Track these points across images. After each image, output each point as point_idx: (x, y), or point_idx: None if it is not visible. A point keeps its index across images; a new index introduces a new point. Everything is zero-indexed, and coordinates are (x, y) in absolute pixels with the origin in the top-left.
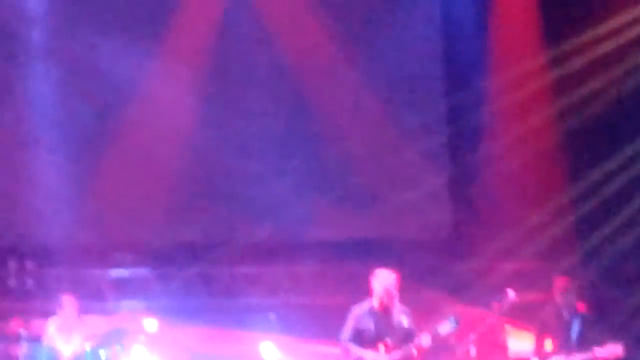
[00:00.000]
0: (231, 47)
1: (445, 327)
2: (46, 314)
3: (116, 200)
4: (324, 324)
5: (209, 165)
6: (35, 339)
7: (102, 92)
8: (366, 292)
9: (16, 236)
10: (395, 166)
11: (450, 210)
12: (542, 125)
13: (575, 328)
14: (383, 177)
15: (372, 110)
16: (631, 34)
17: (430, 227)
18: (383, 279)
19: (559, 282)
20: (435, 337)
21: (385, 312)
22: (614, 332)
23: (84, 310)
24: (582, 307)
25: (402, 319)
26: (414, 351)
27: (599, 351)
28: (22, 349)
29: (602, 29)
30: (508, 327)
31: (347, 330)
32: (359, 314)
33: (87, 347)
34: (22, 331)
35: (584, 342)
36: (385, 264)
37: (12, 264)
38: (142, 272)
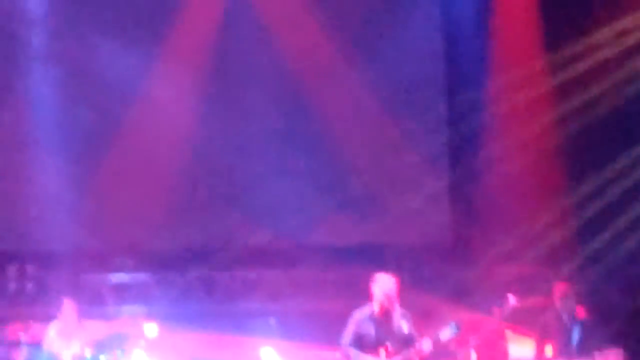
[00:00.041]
0: (231, 49)
1: (446, 333)
2: (46, 318)
3: (116, 204)
4: (324, 328)
5: (210, 169)
6: (36, 344)
7: (103, 94)
8: (366, 296)
9: (16, 240)
10: (395, 170)
11: (451, 214)
12: (542, 129)
13: (576, 333)
14: (383, 181)
15: (372, 114)
16: (632, 39)
17: (431, 232)
18: (383, 284)
19: (559, 288)
20: (436, 343)
21: (385, 316)
22: (614, 338)
23: (84, 315)
24: (582, 312)
25: (403, 323)
26: (415, 356)
27: (599, 356)
28: (22, 354)
29: (604, 33)
30: (509, 332)
31: (347, 335)
32: (359, 318)
33: (87, 352)
34: (22, 336)
35: (584, 348)
36: (385, 268)
37: (12, 268)
38: (142, 276)
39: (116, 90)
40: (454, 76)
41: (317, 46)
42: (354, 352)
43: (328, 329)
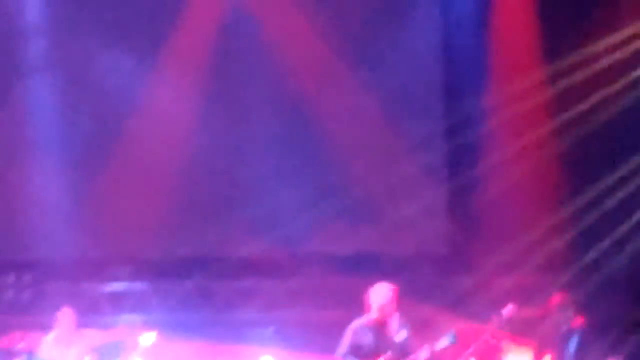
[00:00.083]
0: (231, 58)
1: (444, 342)
2: (44, 327)
3: (114, 212)
4: (322, 338)
5: (207, 178)
6: (33, 353)
7: (101, 102)
8: (364, 306)
9: (14, 249)
10: (394, 180)
11: (449, 223)
12: (540, 140)
13: (574, 343)
14: (382, 190)
15: (371, 123)
16: (630, 49)
17: (429, 241)
18: (382, 293)
19: (557, 297)
20: (434, 352)
21: (384, 326)
22: (612, 348)
23: (81, 324)
24: (580, 322)
25: (401, 333)
26: None
27: None
28: None
29: (603, 43)
30: (507, 342)
31: (344, 346)
32: (357, 329)
33: None
34: (20, 344)
35: (583, 358)
36: (383, 278)
37: (10, 277)
38: (140, 285)
39: (115, 99)
40: (452, 85)
41: (317, 61)
42: None
43: (326, 338)
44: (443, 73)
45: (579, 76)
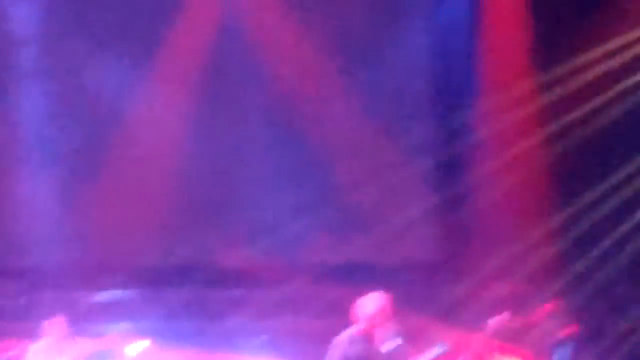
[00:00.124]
0: (225, 62)
1: (435, 352)
2: (35, 335)
3: (105, 220)
4: (314, 347)
5: (198, 188)
6: None
7: (93, 109)
8: (355, 315)
9: (4, 257)
10: (384, 189)
11: (440, 233)
12: (531, 149)
13: (565, 352)
14: (372, 199)
15: (362, 133)
16: (621, 59)
17: (419, 250)
18: (371, 303)
19: (548, 306)
20: None
21: (374, 336)
22: (603, 356)
23: (72, 332)
24: (571, 330)
25: (393, 342)
26: None
27: None
28: None
29: (593, 53)
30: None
31: (333, 358)
32: (346, 339)
33: None
34: (11, 353)
35: None
36: (374, 287)
37: (1, 285)
38: (130, 293)
39: (107, 104)
40: (443, 94)
41: (310, 73)
42: None
43: (318, 347)
44: (434, 81)
45: (571, 85)
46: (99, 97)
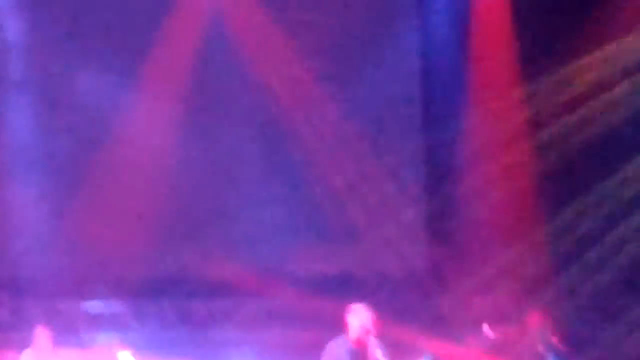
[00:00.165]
0: (212, 77)
1: None
2: (21, 345)
3: (92, 231)
4: (301, 359)
5: (187, 198)
6: None
7: (80, 122)
8: (342, 327)
9: None
10: (372, 202)
11: (427, 245)
12: (519, 161)
13: None
14: (360, 212)
15: (350, 146)
16: (609, 68)
17: (407, 262)
18: (359, 315)
19: (535, 318)
20: None
21: (361, 348)
22: None
23: (58, 343)
24: (558, 342)
25: (378, 354)
26: None
27: None
28: None
29: (581, 63)
30: None
31: None
32: (334, 350)
33: None
34: None
35: None
36: (361, 299)
37: None
38: (117, 305)
39: (94, 118)
40: (431, 107)
41: (298, 84)
42: None
43: (305, 359)
44: (422, 93)
45: (558, 96)
46: (87, 106)
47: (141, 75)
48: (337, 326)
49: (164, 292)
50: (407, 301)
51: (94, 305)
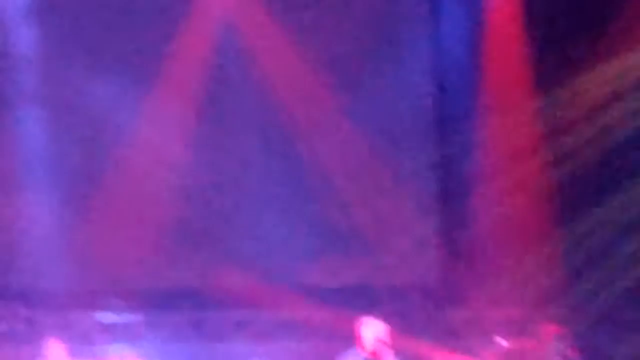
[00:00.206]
0: (223, 90)
1: None
2: (34, 358)
3: (106, 243)
4: None
5: (200, 209)
6: None
7: (93, 135)
8: (355, 339)
9: (5, 279)
10: (385, 212)
11: (441, 256)
12: (533, 172)
13: None
14: (372, 222)
15: (363, 157)
16: (623, 81)
17: (420, 274)
18: (373, 327)
19: (549, 330)
20: None
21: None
22: None
23: (72, 354)
24: (573, 354)
25: None
26: None
27: None
28: None
29: (595, 74)
30: None
31: None
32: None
33: None
34: None
35: None
36: (374, 311)
37: (1, 308)
38: (130, 316)
39: (106, 129)
40: (444, 116)
41: (310, 94)
42: None
43: None
44: (435, 104)
45: (572, 107)
46: (100, 117)
47: (153, 85)
48: (350, 338)
49: (178, 303)
50: (420, 313)
51: (107, 316)
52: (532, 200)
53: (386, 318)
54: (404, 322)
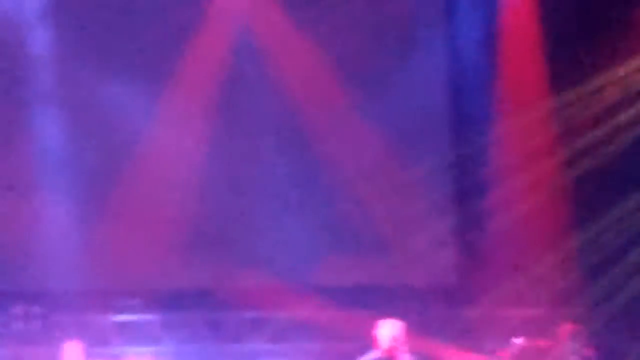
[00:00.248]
0: (239, 92)
1: None
2: (52, 359)
3: (122, 244)
4: None
5: (216, 209)
6: None
7: (108, 135)
8: (372, 339)
9: (22, 280)
10: (401, 212)
11: (456, 256)
12: (548, 172)
13: None
14: (389, 223)
15: (378, 156)
16: (638, 81)
17: (436, 274)
18: (390, 329)
19: (566, 329)
20: None
21: None
22: None
23: (89, 356)
24: (589, 353)
25: None
26: None
27: None
28: None
29: (610, 75)
30: None
31: None
32: None
33: None
34: None
35: None
36: (390, 311)
37: (18, 309)
38: (148, 317)
39: (121, 131)
40: (460, 117)
41: (325, 95)
42: None
43: None
44: (451, 104)
45: (587, 107)
46: (115, 118)
47: (169, 86)
48: (367, 338)
49: (194, 304)
50: (436, 313)
51: (124, 318)
52: (548, 200)
53: (402, 318)
54: (419, 322)
